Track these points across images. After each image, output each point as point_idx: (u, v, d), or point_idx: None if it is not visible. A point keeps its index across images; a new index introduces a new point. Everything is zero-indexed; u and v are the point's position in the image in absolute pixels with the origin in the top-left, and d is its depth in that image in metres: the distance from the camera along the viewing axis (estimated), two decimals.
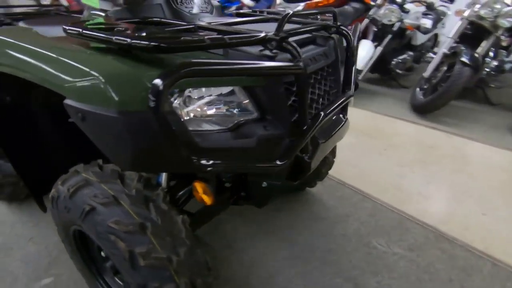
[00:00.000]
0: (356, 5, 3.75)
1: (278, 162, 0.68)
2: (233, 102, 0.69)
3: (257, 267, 1.26)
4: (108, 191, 0.71)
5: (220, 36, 0.61)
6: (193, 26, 0.73)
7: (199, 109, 0.66)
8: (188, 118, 0.63)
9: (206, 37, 0.57)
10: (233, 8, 5.09)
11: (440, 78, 2.82)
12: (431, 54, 3.82)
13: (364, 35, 3.28)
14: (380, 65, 3.56)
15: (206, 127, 0.65)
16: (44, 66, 0.64)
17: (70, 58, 0.61)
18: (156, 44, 0.50)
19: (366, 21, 3.25)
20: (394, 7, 3.02)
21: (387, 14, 3.05)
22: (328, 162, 1.51)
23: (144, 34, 0.53)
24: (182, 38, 0.56)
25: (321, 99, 0.88)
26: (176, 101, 0.59)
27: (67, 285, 1.16)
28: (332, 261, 1.29)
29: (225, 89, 0.68)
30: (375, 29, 3.29)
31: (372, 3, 3.25)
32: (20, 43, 0.73)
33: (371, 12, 3.17)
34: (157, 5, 0.91)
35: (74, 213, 0.75)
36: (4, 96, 0.94)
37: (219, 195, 0.91)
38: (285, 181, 0.86)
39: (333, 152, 1.52)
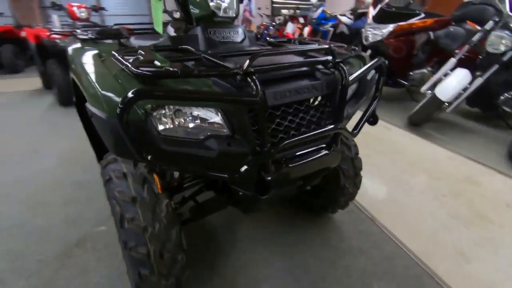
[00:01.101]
0: (464, 27, 3.31)
1: (227, 175, 0.82)
2: (209, 119, 0.86)
3: (248, 269, 1.38)
4: (123, 168, 0.99)
5: (191, 67, 0.80)
6: (199, 56, 0.94)
7: (183, 120, 0.86)
8: (167, 126, 0.83)
9: (188, 67, 0.77)
10: (328, 25, 5.16)
11: None
12: None
13: (463, 63, 2.87)
14: (482, 99, 3.04)
15: (181, 134, 0.85)
16: (84, 78, 0.95)
17: (95, 74, 0.90)
18: (140, 72, 0.73)
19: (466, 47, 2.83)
20: (506, 34, 2.55)
21: (494, 41, 2.60)
22: (347, 192, 1.49)
23: (139, 63, 0.77)
24: (164, 68, 0.76)
25: (303, 128, 0.95)
26: (155, 113, 0.81)
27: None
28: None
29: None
30: (480, 57, 2.84)
31: (477, 27, 2.81)
32: (84, 58, 1.06)
33: (474, 38, 2.75)
34: (195, 36, 1.15)
35: (104, 178, 1.06)
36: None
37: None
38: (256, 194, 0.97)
39: (354, 184, 1.49)
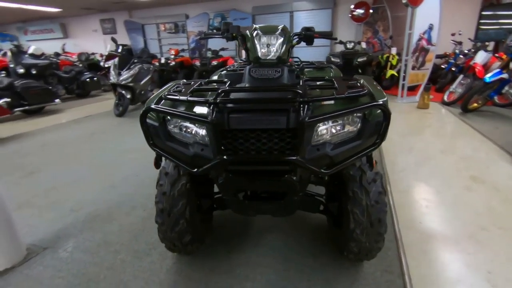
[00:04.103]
0: None
1: (195, 170, 1.17)
2: (198, 131, 1.25)
3: (239, 269, 1.61)
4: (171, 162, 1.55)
5: (184, 97, 1.19)
6: (218, 89, 1.34)
7: (184, 129, 1.29)
8: (174, 130, 1.28)
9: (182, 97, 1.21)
10: None
11: None
12: None
13: None
14: None
15: (180, 137, 1.27)
16: None
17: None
18: (162, 96, 1.24)
19: None
20: None
21: None
22: (359, 241, 1.38)
23: (169, 91, 1.28)
24: (168, 95, 1.23)
25: (263, 151, 1.14)
26: (170, 121, 1.28)
27: None
28: None
29: None
30: None
31: None
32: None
33: None
34: (244, 72, 1.56)
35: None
36: None
37: None
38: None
39: (369, 236, 1.35)
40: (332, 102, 1.22)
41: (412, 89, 6.12)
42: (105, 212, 2.20)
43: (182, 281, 1.53)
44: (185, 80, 1.53)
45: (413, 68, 5.69)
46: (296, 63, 2.55)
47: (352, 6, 8.16)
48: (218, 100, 1.11)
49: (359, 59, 6.64)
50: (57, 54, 8.74)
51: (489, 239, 1.76)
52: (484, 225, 1.89)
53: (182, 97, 1.21)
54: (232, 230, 1.93)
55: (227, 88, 1.21)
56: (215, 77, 1.80)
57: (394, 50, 6.81)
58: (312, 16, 8.73)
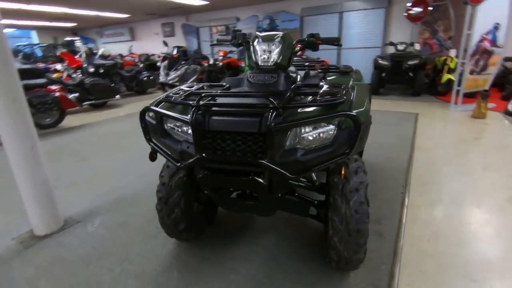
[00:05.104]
0: None
1: (179, 164, 1.31)
2: (186, 130, 1.38)
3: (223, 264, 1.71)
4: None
5: (176, 100, 1.33)
6: (214, 92, 1.46)
7: (177, 127, 1.44)
8: (169, 127, 1.44)
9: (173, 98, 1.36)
10: None
11: None
12: None
13: None
14: None
15: (173, 134, 1.42)
16: None
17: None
18: (158, 99, 1.40)
19: None
20: None
21: None
22: (337, 249, 1.38)
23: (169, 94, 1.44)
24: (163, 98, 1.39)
25: (238, 152, 1.22)
26: (166, 120, 1.44)
27: None
28: None
29: None
30: None
31: None
32: None
33: None
34: (242, 78, 1.66)
35: None
36: None
37: None
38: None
39: (347, 245, 1.34)
40: (311, 109, 1.25)
41: (471, 96, 5.48)
42: (131, 197, 2.50)
43: (176, 264, 1.70)
44: (189, 84, 1.69)
45: (472, 72, 5.10)
46: (322, 66, 2.55)
47: (409, 4, 7.58)
48: (200, 104, 1.23)
49: (410, 62, 6.18)
50: (121, 56, 9.85)
51: (507, 269, 1.57)
52: (503, 253, 1.69)
53: (174, 100, 1.36)
54: (234, 226, 2.04)
55: (207, 92, 1.33)
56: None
57: (453, 52, 6.17)
58: (363, 16, 8.35)
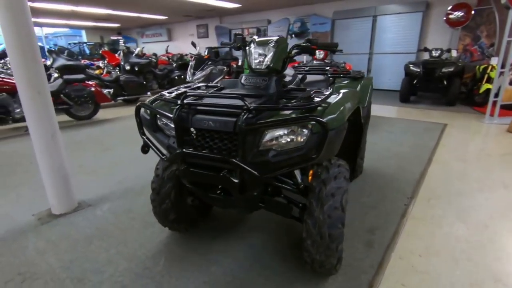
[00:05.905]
0: None
1: (164, 158, 1.42)
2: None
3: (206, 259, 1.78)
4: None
5: (167, 97, 1.44)
6: (208, 93, 1.55)
7: (168, 123, 1.54)
8: (162, 123, 1.55)
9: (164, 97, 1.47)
10: None
11: None
12: None
13: None
14: None
15: (164, 129, 1.52)
16: None
17: None
18: (154, 97, 1.52)
19: None
20: None
21: None
22: (310, 252, 1.40)
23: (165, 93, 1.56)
24: (157, 96, 1.50)
25: (214, 149, 1.30)
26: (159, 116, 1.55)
27: None
28: None
29: None
30: None
31: None
32: None
33: None
34: (237, 80, 1.73)
35: None
36: None
37: None
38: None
39: (319, 249, 1.35)
40: (288, 112, 1.29)
41: (510, 108, 5.05)
42: (140, 187, 2.68)
43: (165, 251, 1.82)
44: (187, 84, 1.80)
45: None
46: (335, 71, 2.54)
47: (449, 8, 7.15)
48: (183, 103, 1.33)
49: (444, 69, 5.83)
50: (155, 55, 10.40)
51: None
52: (498, 277, 1.58)
53: (165, 97, 1.47)
54: (227, 222, 2.12)
55: (192, 92, 1.43)
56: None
57: (494, 61, 5.72)
58: (398, 20, 8.02)
